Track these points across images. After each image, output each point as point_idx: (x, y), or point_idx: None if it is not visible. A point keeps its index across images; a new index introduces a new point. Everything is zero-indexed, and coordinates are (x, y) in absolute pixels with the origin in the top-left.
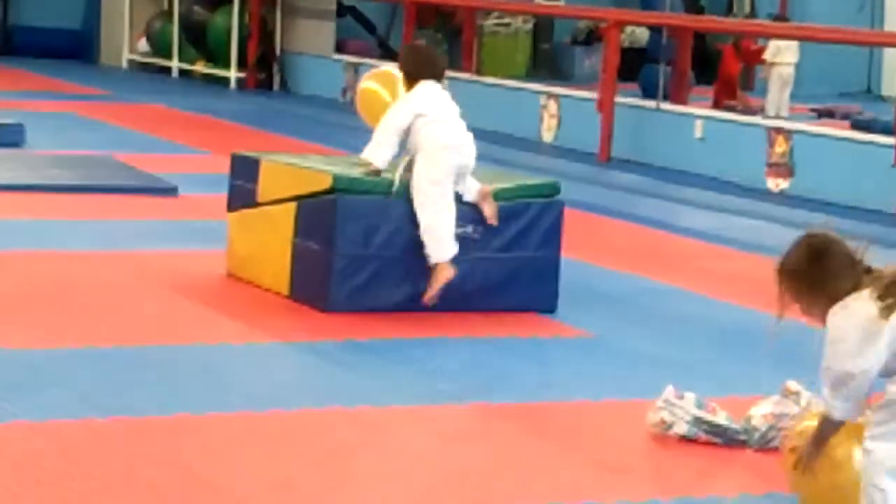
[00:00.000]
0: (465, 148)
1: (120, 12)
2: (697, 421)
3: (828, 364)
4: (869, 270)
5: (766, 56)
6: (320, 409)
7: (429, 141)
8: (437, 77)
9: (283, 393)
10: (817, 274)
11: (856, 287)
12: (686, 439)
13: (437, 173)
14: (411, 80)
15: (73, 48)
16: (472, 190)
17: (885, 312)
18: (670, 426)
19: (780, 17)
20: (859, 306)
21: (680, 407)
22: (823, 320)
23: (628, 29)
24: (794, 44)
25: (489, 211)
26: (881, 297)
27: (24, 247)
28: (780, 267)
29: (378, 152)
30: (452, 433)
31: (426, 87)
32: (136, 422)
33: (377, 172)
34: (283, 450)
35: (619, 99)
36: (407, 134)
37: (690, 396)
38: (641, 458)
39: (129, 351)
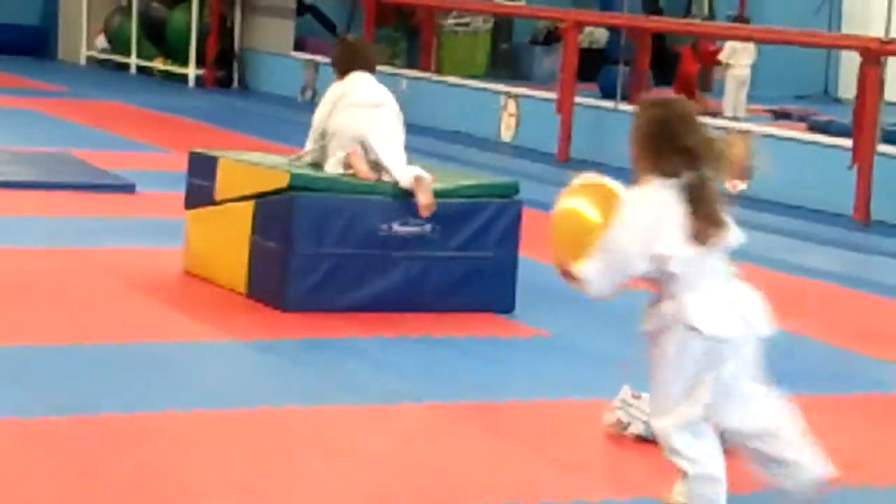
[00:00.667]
0: (377, 112)
1: (78, 8)
2: None
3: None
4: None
5: (722, 57)
6: (277, 408)
7: (342, 104)
8: (366, 68)
9: (240, 391)
10: (656, 137)
11: (672, 176)
12: (642, 439)
13: (345, 131)
14: (342, 72)
15: (32, 44)
16: (406, 174)
17: (697, 237)
18: (626, 426)
19: (740, 18)
20: (666, 198)
21: (636, 407)
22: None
23: (587, 29)
24: (750, 45)
25: (423, 200)
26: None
27: None
28: (638, 108)
29: (307, 143)
30: (409, 432)
31: (353, 76)
32: (94, 420)
33: (300, 157)
34: (241, 448)
35: (578, 99)
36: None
37: (646, 396)
38: (598, 457)
39: (86, 348)
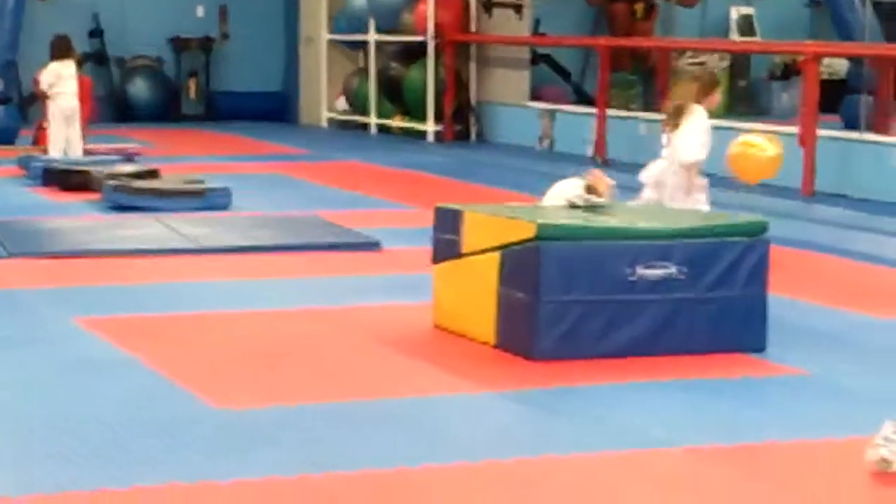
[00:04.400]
0: None
1: (318, 73)
2: None
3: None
4: None
5: None
6: (533, 458)
7: None
8: None
9: (496, 443)
10: None
11: None
12: None
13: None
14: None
15: (274, 110)
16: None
17: None
18: (891, 464)
19: None
20: None
21: None
22: None
23: (826, 60)
24: None
25: (604, 188)
26: None
27: (233, 307)
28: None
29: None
30: (665, 479)
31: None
32: (352, 477)
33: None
34: (500, 499)
35: (820, 132)
36: None
37: None
38: (861, 497)
39: (341, 407)
